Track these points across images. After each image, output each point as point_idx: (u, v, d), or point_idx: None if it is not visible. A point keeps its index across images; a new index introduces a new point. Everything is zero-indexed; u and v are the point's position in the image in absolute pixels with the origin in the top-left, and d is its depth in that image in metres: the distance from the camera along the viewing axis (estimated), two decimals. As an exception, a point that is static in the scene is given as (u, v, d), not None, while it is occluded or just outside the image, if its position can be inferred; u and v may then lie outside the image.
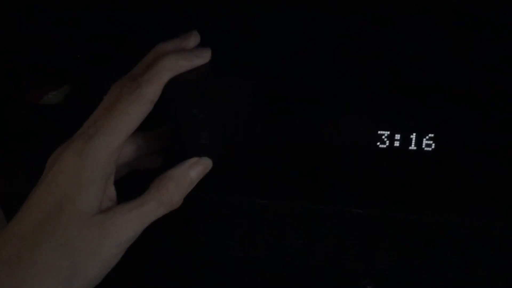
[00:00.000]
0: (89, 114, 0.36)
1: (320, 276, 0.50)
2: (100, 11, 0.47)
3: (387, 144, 0.37)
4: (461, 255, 0.45)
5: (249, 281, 0.53)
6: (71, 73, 0.52)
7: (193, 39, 0.38)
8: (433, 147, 0.36)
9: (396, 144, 0.36)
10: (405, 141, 0.36)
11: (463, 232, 0.38)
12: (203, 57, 0.37)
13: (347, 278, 0.48)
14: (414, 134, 0.36)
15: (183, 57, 0.36)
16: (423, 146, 0.36)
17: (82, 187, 0.33)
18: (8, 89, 0.51)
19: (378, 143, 0.37)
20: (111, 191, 0.36)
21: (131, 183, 0.38)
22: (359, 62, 0.40)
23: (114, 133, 0.34)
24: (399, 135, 0.36)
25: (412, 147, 0.36)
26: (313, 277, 0.49)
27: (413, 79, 0.38)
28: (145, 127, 0.37)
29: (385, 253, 0.44)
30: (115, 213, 0.34)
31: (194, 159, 0.38)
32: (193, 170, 0.37)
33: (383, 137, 0.37)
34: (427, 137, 0.36)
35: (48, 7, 0.49)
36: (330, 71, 0.40)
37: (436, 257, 0.44)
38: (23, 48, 0.50)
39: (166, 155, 0.41)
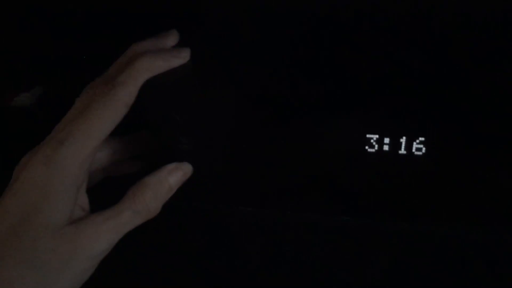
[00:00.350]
0: (63, 116, 0.34)
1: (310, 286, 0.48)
2: (75, 8, 0.45)
3: (376, 148, 0.35)
4: (455, 263, 0.44)
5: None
6: (44, 73, 0.50)
7: (172, 38, 0.37)
8: (423, 151, 0.35)
9: (386, 148, 0.35)
10: (395, 145, 0.35)
11: (456, 240, 0.36)
12: (182, 57, 0.35)
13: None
14: (404, 138, 0.35)
15: (160, 57, 0.34)
16: (413, 151, 0.35)
17: (50, 197, 0.31)
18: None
19: (367, 147, 0.35)
20: (83, 200, 0.34)
21: (106, 190, 0.37)
22: (348, 66, 0.39)
23: (86, 138, 0.32)
24: (388, 139, 0.35)
25: (402, 151, 0.35)
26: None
27: (403, 81, 0.36)
28: (121, 131, 0.35)
29: (376, 261, 0.42)
30: (87, 224, 0.32)
31: (172, 165, 0.36)
32: (172, 177, 0.35)
33: (372, 140, 0.35)
34: (417, 141, 0.35)
35: (21, 6, 0.47)
36: (317, 76, 0.39)
37: (428, 264, 0.42)
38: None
39: (144, 161, 0.39)
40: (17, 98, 0.49)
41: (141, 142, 0.40)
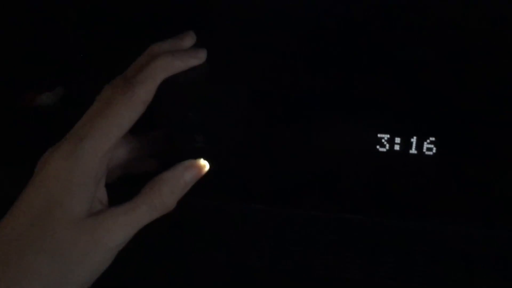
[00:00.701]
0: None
1: (318, 284, 0.49)
2: (94, 11, 0.47)
3: (387, 147, 0.36)
4: (463, 262, 0.44)
5: None
6: (66, 74, 0.51)
7: (189, 39, 0.38)
8: (434, 151, 0.35)
9: (396, 148, 0.35)
10: (406, 144, 0.35)
11: (465, 239, 0.37)
12: (199, 58, 0.37)
13: (346, 285, 0.47)
14: (415, 137, 0.35)
15: (177, 58, 0.36)
16: (424, 150, 0.35)
17: (71, 191, 0.32)
18: (2, 91, 0.50)
19: (378, 147, 0.36)
20: (102, 194, 0.35)
21: (124, 186, 0.38)
22: (359, 66, 0.39)
23: (105, 135, 0.33)
24: (399, 139, 0.35)
25: (413, 151, 0.35)
26: (311, 285, 0.48)
27: (414, 82, 0.37)
28: (138, 129, 0.36)
29: (385, 260, 0.42)
30: (105, 217, 0.33)
31: (189, 161, 0.37)
32: (188, 173, 0.36)
33: (383, 140, 0.36)
34: (428, 141, 0.35)
35: (41, 9, 0.48)
36: (329, 75, 0.39)
37: (437, 264, 0.43)
38: (15, 49, 0.50)
39: (160, 159, 0.40)
40: (40, 97, 0.50)
41: (157, 141, 0.41)
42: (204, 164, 0.37)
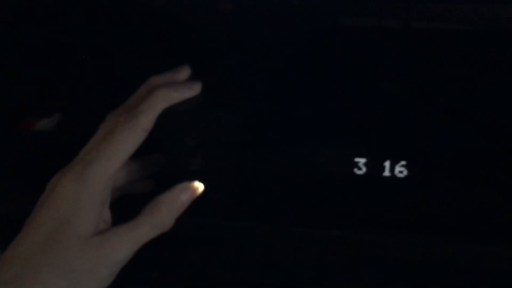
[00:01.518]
0: (80, 139, 0.39)
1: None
2: (89, 45, 0.50)
3: (364, 170, 0.40)
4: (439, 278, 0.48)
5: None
6: (62, 101, 0.54)
7: (184, 73, 0.41)
8: (405, 173, 0.39)
9: (372, 171, 0.39)
10: (379, 167, 0.39)
11: (440, 255, 0.40)
12: (194, 89, 0.40)
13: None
14: (388, 161, 0.39)
15: (175, 90, 0.39)
16: (396, 173, 0.39)
17: (80, 211, 0.35)
18: (3, 117, 0.53)
19: (355, 170, 0.40)
20: (107, 214, 0.38)
21: (121, 206, 0.41)
22: (336, 94, 0.44)
23: (111, 159, 0.36)
24: (373, 162, 0.39)
25: (386, 173, 0.39)
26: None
27: (387, 112, 0.41)
28: (139, 153, 0.39)
29: (364, 275, 0.46)
30: (111, 236, 0.36)
31: (184, 184, 0.40)
32: (184, 194, 0.39)
33: (360, 164, 0.40)
34: (400, 164, 0.39)
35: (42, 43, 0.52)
36: (311, 103, 0.43)
37: (414, 279, 0.47)
38: (17, 79, 0.53)
39: (158, 180, 0.44)
40: (39, 123, 0.53)
41: (155, 164, 0.44)
42: (198, 186, 0.41)
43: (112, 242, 0.36)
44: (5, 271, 0.34)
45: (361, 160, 0.39)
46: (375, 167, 0.39)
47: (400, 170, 0.39)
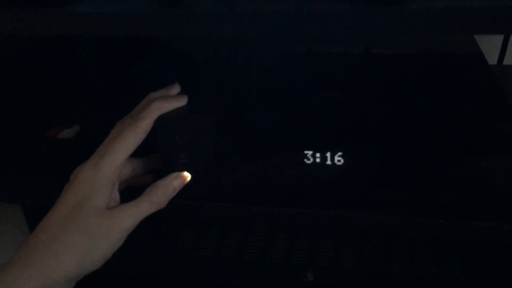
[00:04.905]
0: (94, 146, 0.50)
1: (273, 271, 0.64)
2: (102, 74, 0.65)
3: (312, 160, 0.51)
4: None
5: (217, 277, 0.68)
6: (81, 116, 0.67)
7: (175, 89, 0.54)
8: (342, 162, 0.51)
9: (317, 160, 0.51)
10: (323, 157, 0.51)
11: (366, 225, 0.52)
12: (182, 101, 0.52)
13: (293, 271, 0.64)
14: (329, 152, 0.51)
15: (167, 101, 0.51)
16: (335, 162, 0.51)
17: (96, 191, 0.47)
18: (35, 127, 0.66)
19: (305, 159, 0.52)
20: (116, 195, 0.50)
21: (127, 194, 0.52)
22: (293, 104, 0.56)
23: (118, 153, 0.48)
24: (319, 154, 0.51)
25: (328, 162, 0.51)
26: (269, 272, 0.64)
27: (329, 114, 0.54)
28: (139, 153, 0.51)
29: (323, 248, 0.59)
30: (119, 210, 0.48)
31: (175, 173, 0.52)
32: (175, 181, 0.51)
33: (308, 155, 0.51)
34: (338, 155, 0.51)
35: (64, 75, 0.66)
36: (276, 110, 0.56)
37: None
38: (44, 100, 0.67)
39: (155, 173, 0.55)
40: (62, 133, 0.66)
41: (153, 161, 0.56)
42: (187, 175, 0.52)
43: (121, 214, 0.47)
44: (42, 234, 0.46)
45: (309, 152, 0.51)
46: (319, 157, 0.51)
47: (338, 159, 0.51)
